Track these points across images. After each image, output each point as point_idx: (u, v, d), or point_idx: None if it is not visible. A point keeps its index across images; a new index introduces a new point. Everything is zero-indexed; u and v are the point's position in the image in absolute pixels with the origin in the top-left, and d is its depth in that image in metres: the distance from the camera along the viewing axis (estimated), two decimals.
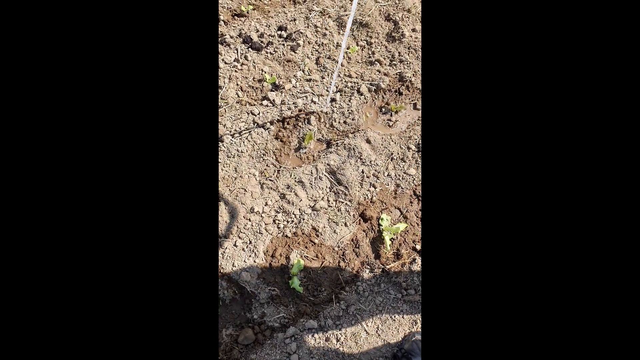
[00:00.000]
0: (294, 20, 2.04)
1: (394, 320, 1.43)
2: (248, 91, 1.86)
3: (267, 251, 1.52)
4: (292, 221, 1.58)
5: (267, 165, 1.69)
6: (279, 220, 1.58)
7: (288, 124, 1.77)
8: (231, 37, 1.97)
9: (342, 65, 1.92)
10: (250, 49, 1.96)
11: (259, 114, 1.79)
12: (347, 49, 1.97)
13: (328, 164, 1.69)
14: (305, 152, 1.74)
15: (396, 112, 1.84)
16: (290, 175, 1.67)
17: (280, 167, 1.69)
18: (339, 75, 1.89)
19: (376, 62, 1.94)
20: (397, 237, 1.57)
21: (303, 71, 1.91)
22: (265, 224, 1.56)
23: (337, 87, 1.85)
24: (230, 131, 1.75)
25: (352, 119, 1.80)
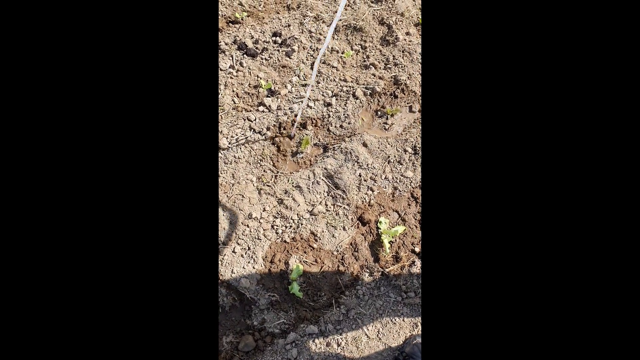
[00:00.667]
0: (289, 26, 2.05)
1: (395, 323, 1.43)
2: (244, 97, 1.86)
3: (266, 257, 1.52)
4: (291, 226, 1.58)
5: (264, 171, 1.69)
6: (277, 225, 1.58)
7: (284, 129, 1.78)
8: (226, 44, 1.98)
9: (337, 69, 1.93)
10: (245, 55, 1.96)
11: (255, 120, 1.79)
12: (342, 53, 1.98)
13: (325, 169, 1.69)
14: (302, 157, 1.74)
15: (392, 115, 1.85)
16: (288, 181, 1.67)
17: (278, 172, 1.69)
18: (334, 80, 1.90)
19: (371, 66, 1.95)
20: (395, 240, 1.57)
21: (298, 76, 1.92)
22: (264, 230, 1.56)
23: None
24: (227, 137, 1.75)
25: (348, 123, 1.80)
